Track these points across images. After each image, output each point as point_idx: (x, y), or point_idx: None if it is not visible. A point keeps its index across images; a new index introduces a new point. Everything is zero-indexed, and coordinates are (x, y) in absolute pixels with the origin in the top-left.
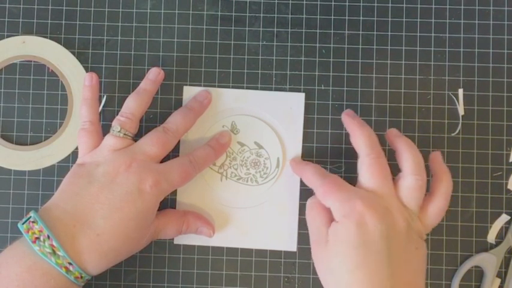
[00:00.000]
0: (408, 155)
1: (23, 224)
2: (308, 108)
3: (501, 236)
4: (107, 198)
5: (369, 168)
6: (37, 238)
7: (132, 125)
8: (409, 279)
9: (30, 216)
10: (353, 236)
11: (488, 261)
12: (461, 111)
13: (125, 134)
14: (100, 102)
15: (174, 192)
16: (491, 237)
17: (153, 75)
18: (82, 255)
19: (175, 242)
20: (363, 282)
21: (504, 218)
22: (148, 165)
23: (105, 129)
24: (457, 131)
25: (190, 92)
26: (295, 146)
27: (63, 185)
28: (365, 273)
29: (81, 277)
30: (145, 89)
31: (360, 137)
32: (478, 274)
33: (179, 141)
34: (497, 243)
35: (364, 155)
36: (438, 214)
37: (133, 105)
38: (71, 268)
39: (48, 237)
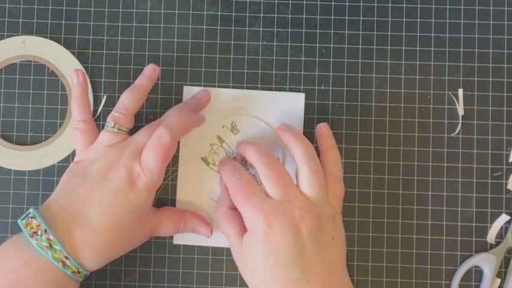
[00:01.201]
0: (295, 147)
1: (22, 219)
2: (308, 108)
3: (501, 236)
4: (100, 195)
5: (265, 177)
6: (35, 232)
7: (126, 120)
8: (328, 269)
9: (30, 212)
10: (261, 248)
11: (488, 261)
12: (461, 111)
13: (119, 129)
14: (100, 102)
15: (174, 191)
16: (491, 237)
17: (149, 71)
18: (78, 250)
19: (175, 242)
20: (276, 285)
21: (504, 218)
22: (135, 157)
23: None
24: (457, 131)
25: (190, 92)
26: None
27: (61, 182)
28: (278, 278)
29: (78, 272)
30: (141, 84)
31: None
32: (478, 274)
33: (179, 143)
34: (497, 243)
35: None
36: (337, 184)
37: (127, 101)
38: (67, 262)
39: (46, 231)
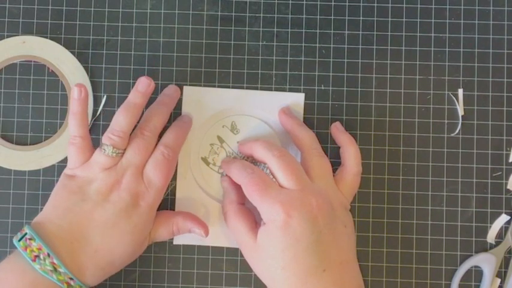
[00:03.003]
0: (302, 135)
1: (19, 241)
2: (308, 108)
3: (501, 236)
4: (101, 216)
5: (279, 169)
6: (36, 256)
7: (123, 143)
8: (342, 258)
9: (26, 233)
10: (280, 239)
11: (488, 261)
12: (461, 111)
13: (117, 154)
14: (100, 102)
15: (174, 193)
16: (491, 237)
17: (143, 87)
18: (82, 270)
19: (175, 242)
20: (295, 276)
21: (504, 218)
22: (135, 177)
23: (105, 130)
24: (456, 131)
25: (190, 92)
26: (295, 146)
27: (54, 199)
28: (297, 268)
29: None
30: (135, 103)
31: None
32: (478, 274)
33: None
34: (497, 243)
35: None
36: (355, 177)
37: (123, 122)
38: (72, 283)
39: (48, 255)
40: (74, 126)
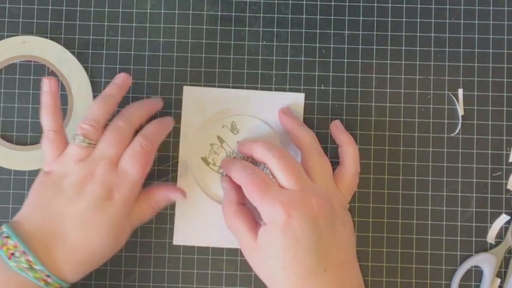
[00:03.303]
0: (302, 135)
1: None
2: (308, 108)
3: (501, 236)
4: (75, 211)
5: (279, 169)
6: (12, 254)
7: (96, 133)
8: (342, 258)
9: (3, 231)
10: (280, 239)
11: (488, 261)
12: (461, 111)
13: (88, 144)
14: None
15: None
16: (491, 237)
17: (120, 80)
18: (59, 267)
19: (175, 242)
20: (296, 275)
21: (504, 218)
22: (108, 169)
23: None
24: (456, 131)
25: (190, 92)
26: (295, 146)
27: (30, 195)
28: (297, 268)
29: (61, 287)
30: (111, 94)
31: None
32: (478, 274)
33: (179, 143)
34: (497, 243)
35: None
36: (354, 178)
37: (97, 112)
38: (49, 280)
39: (24, 252)
40: (47, 121)
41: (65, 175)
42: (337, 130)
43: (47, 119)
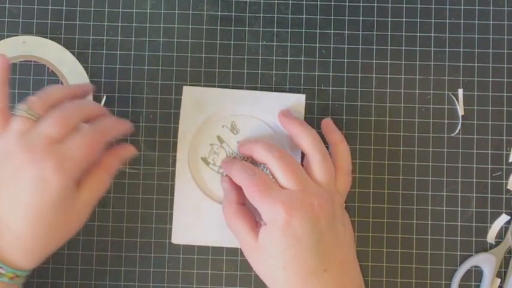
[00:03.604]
0: (304, 135)
1: None
2: (308, 108)
3: (501, 236)
4: (15, 197)
5: (279, 169)
6: None
7: (42, 107)
8: (342, 258)
9: None
10: (281, 239)
11: (488, 261)
12: (461, 111)
13: (31, 115)
14: (100, 102)
15: (172, 192)
16: (491, 237)
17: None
18: (9, 257)
19: (175, 242)
20: (296, 275)
21: (504, 218)
22: (48, 149)
23: None
24: (456, 131)
25: (190, 92)
26: (296, 146)
27: None
28: (298, 268)
29: (17, 276)
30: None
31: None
32: (478, 274)
33: (177, 141)
34: (497, 243)
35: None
36: (347, 177)
37: (50, 92)
38: (2, 271)
39: None
40: None
41: (5, 152)
42: (328, 129)
43: None
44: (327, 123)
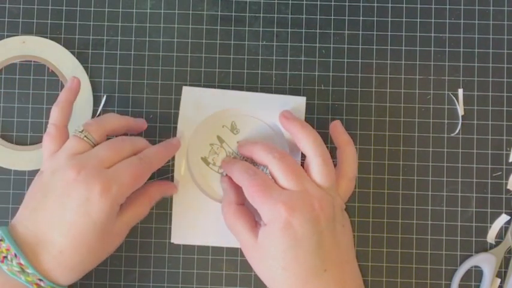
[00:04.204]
0: (305, 137)
1: None
2: (308, 108)
3: (501, 236)
4: (61, 214)
5: (279, 170)
6: (5, 257)
7: (97, 132)
8: (342, 258)
9: None
10: (281, 239)
11: (488, 261)
12: (461, 111)
13: (86, 137)
14: (100, 102)
15: None
16: (491, 237)
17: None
18: (51, 272)
19: (175, 242)
20: (296, 276)
21: (504, 218)
22: (97, 171)
23: None
24: (456, 131)
25: (190, 92)
26: (295, 146)
27: (25, 199)
28: (298, 269)
29: None
30: (134, 124)
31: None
32: (478, 274)
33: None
34: (497, 243)
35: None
36: (350, 182)
37: (108, 119)
38: (42, 284)
39: (16, 255)
40: (55, 114)
41: (54, 171)
42: (337, 132)
43: (53, 112)
44: (335, 126)
